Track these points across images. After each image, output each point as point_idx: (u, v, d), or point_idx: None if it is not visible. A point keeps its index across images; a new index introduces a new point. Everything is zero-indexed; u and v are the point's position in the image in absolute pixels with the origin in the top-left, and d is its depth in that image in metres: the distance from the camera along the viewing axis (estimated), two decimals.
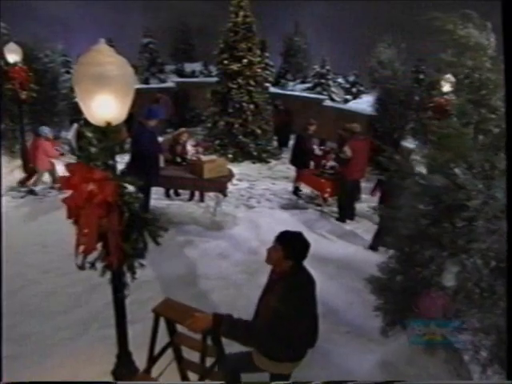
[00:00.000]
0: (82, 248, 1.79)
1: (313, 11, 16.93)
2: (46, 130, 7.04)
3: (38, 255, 4.97)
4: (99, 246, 1.90)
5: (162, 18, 16.23)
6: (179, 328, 2.72)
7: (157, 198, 6.70)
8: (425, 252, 2.58)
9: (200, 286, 4.45)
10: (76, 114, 9.00)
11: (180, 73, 16.09)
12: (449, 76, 8.70)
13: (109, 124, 1.80)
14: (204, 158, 5.91)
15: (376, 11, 15.85)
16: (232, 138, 9.23)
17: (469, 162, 2.51)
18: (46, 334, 3.61)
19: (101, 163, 1.76)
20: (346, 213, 6.44)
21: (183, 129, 6.88)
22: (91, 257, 1.97)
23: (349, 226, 6.36)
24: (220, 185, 5.88)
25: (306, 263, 5.00)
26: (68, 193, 1.79)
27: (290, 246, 2.36)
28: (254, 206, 6.78)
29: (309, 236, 5.72)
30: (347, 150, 6.15)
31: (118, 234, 1.79)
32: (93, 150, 1.74)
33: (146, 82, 14.58)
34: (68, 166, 1.77)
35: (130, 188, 1.99)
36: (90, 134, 1.76)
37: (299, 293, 2.32)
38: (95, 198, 1.67)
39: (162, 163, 6.32)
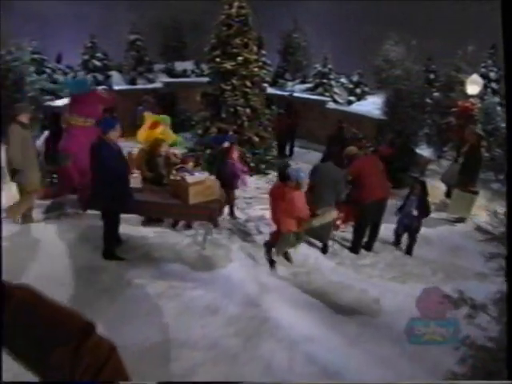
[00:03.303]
0: None
1: (313, 6, 15.80)
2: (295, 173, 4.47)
3: None
4: None
5: (151, 14, 15.03)
6: None
7: (135, 223, 5.58)
8: None
9: (179, 360, 3.31)
10: (47, 119, 7.85)
11: (170, 72, 14.85)
12: (475, 77, 7.67)
13: None
14: (189, 177, 4.76)
15: (380, 6, 14.77)
16: None
17: None
18: None
19: None
20: (361, 242, 5.34)
21: (156, 138, 5.70)
22: None
23: (365, 259, 5.26)
24: (209, 212, 4.74)
25: (322, 323, 3.76)
26: None
27: None
28: (251, 232, 5.64)
29: (319, 278, 4.43)
30: (347, 176, 5.28)
31: None
32: None
33: (132, 82, 13.38)
34: None
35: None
36: None
37: None
38: None
39: (139, 183, 5.22)
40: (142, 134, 6.27)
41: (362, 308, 4.14)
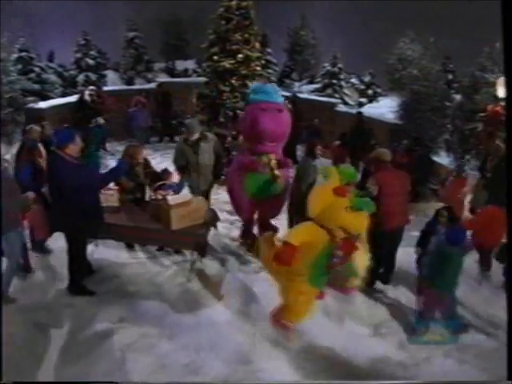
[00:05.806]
0: None
1: (322, 1, 14.98)
2: None
3: None
4: None
5: (150, 10, 14.33)
6: None
7: (117, 245, 4.80)
8: None
9: None
10: (29, 123, 7.12)
11: (171, 71, 14.15)
12: None
13: None
14: (171, 198, 3.97)
15: (394, 1, 13.90)
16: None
17: None
18: None
19: None
20: (377, 274, 4.49)
21: (130, 144, 4.91)
22: None
23: (381, 294, 4.40)
24: (196, 240, 3.95)
25: None
26: None
27: None
28: (246, 259, 4.81)
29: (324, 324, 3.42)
30: (371, 187, 4.17)
31: None
32: None
33: (130, 82, 12.65)
34: None
35: None
36: None
37: None
38: None
39: (115, 201, 4.43)
40: (318, 201, 3.11)
41: (380, 368, 3.29)
